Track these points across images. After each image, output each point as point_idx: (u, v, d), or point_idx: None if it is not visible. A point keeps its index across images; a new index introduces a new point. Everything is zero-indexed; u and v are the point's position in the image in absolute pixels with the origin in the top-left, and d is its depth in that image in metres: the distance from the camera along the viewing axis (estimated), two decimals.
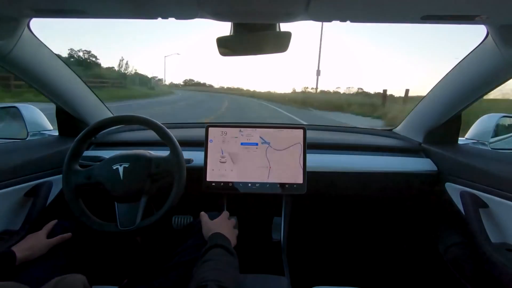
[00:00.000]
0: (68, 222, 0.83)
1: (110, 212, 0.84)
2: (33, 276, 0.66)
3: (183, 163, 0.84)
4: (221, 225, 0.76)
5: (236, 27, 0.75)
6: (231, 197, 1.05)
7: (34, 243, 0.72)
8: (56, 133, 1.21)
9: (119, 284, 0.73)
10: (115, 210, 0.83)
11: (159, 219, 0.82)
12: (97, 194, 0.87)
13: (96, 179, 0.84)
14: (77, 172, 0.85)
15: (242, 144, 0.99)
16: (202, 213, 0.82)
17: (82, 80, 1.10)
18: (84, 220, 0.81)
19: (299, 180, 0.98)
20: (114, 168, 0.83)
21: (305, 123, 6.06)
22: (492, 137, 1.31)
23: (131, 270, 0.99)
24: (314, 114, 11.52)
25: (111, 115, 1.24)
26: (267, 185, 0.98)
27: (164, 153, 0.91)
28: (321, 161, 1.08)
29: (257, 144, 0.99)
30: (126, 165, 0.84)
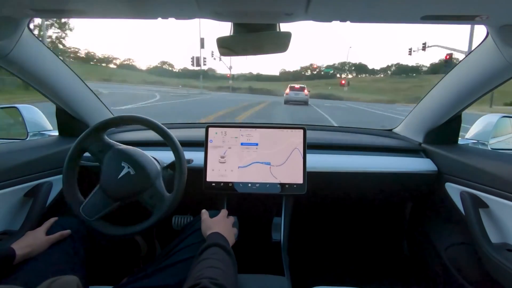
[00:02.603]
0: (67, 220, 0.83)
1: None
2: (33, 274, 0.66)
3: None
4: (220, 224, 0.77)
5: (236, 27, 0.75)
6: (231, 197, 1.05)
7: (33, 241, 0.72)
8: (56, 133, 1.21)
9: (119, 283, 0.73)
10: (91, 191, 0.83)
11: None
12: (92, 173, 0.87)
13: (99, 160, 0.84)
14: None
15: (242, 144, 0.99)
16: (204, 210, 0.83)
17: (82, 80, 1.10)
18: (66, 190, 0.82)
19: (299, 180, 0.98)
20: (122, 165, 0.82)
21: None
22: (492, 137, 1.31)
23: (130, 269, 0.99)
24: None
25: (111, 115, 1.24)
26: (267, 185, 0.98)
27: (166, 154, 0.91)
28: (321, 161, 1.08)
29: (257, 144, 0.99)
30: (132, 172, 0.82)
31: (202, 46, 26.18)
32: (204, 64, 28.30)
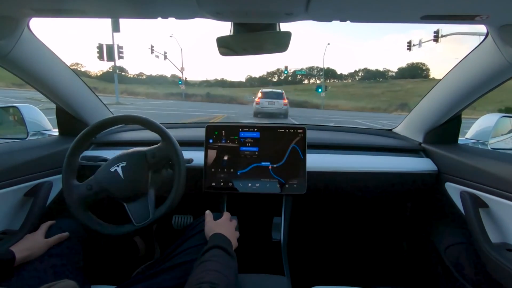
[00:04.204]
0: (65, 222, 0.82)
1: (123, 213, 0.83)
2: (32, 277, 0.66)
3: (177, 146, 0.84)
4: (223, 226, 0.76)
5: (236, 26, 0.75)
6: (231, 196, 1.05)
7: (32, 244, 0.72)
8: (56, 133, 1.21)
9: (119, 284, 0.73)
10: (127, 211, 0.82)
11: (173, 205, 0.81)
12: (105, 200, 0.86)
13: (99, 187, 0.82)
14: (77, 187, 0.83)
15: (241, 149, 1.00)
16: (208, 212, 0.83)
17: (82, 80, 1.10)
18: (98, 229, 0.81)
19: (299, 180, 0.98)
20: (113, 170, 0.82)
21: None
22: (492, 137, 1.31)
23: (129, 270, 0.99)
24: None
25: (111, 115, 1.24)
26: (267, 185, 0.98)
27: None
28: (321, 161, 1.08)
29: (257, 149, 0.99)
30: (124, 164, 0.83)
31: (115, 28, 16.07)
32: (121, 57, 16.00)
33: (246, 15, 0.67)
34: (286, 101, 12.64)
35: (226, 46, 0.81)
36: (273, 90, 13.01)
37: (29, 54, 0.84)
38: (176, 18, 0.65)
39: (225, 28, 0.77)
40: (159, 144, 0.86)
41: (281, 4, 0.59)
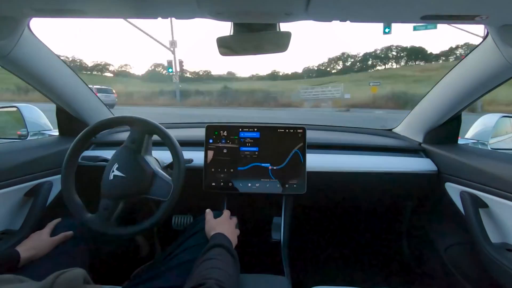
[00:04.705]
0: (71, 221, 0.83)
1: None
2: (37, 275, 0.66)
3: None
4: (224, 225, 0.77)
5: (236, 26, 0.75)
6: (231, 196, 1.05)
7: (38, 242, 0.73)
8: (56, 133, 1.21)
9: (120, 284, 0.73)
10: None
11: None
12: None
13: (114, 197, 0.79)
14: (93, 221, 0.80)
15: (241, 149, 1.00)
16: (208, 210, 0.83)
17: (82, 80, 1.10)
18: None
19: (299, 180, 0.98)
20: (112, 177, 0.80)
21: None
22: (492, 137, 1.31)
23: (132, 270, 1.00)
24: None
25: (111, 115, 1.24)
26: (267, 185, 0.98)
27: (166, 154, 0.91)
28: (321, 161, 1.08)
29: (257, 149, 1.00)
30: (117, 166, 0.81)
31: None
32: None
33: (246, 15, 0.67)
34: (115, 94, 16.66)
35: (226, 46, 0.81)
36: (105, 87, 16.68)
37: (30, 54, 0.84)
38: (176, 18, 0.65)
39: (225, 28, 0.76)
40: (130, 128, 0.85)
41: (280, 4, 0.59)
